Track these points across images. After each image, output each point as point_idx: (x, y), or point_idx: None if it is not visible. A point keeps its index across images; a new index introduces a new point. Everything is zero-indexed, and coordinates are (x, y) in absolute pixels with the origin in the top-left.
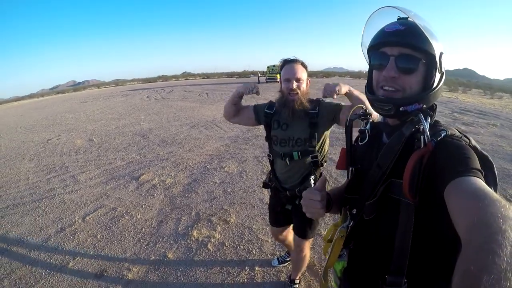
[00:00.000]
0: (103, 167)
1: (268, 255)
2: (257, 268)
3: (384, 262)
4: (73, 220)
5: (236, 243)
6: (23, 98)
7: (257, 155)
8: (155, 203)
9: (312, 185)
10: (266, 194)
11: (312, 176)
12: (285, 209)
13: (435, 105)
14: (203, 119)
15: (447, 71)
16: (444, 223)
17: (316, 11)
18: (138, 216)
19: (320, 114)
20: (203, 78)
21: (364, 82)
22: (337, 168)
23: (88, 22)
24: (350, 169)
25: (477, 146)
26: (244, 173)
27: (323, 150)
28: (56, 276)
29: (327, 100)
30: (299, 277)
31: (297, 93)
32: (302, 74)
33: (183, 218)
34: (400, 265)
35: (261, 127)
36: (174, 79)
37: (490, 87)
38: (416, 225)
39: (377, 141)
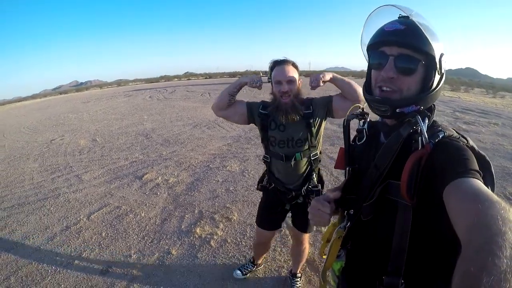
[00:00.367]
0: (107, 166)
1: (270, 251)
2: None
3: (381, 263)
4: (78, 219)
5: (238, 240)
6: (25, 98)
7: (259, 154)
8: (159, 202)
9: (315, 182)
10: None
11: (314, 173)
12: (284, 209)
13: (434, 105)
14: (205, 119)
15: (449, 70)
16: (442, 224)
17: (318, 10)
18: (142, 214)
19: (315, 113)
20: (205, 78)
21: None
22: (335, 167)
23: (90, 22)
24: (348, 169)
25: (475, 146)
26: (246, 172)
27: (319, 144)
28: (62, 273)
29: (316, 94)
30: (300, 271)
31: (290, 95)
32: (293, 75)
33: (186, 216)
34: (398, 266)
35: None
36: (176, 79)
37: (492, 86)
38: (414, 227)
39: (375, 140)
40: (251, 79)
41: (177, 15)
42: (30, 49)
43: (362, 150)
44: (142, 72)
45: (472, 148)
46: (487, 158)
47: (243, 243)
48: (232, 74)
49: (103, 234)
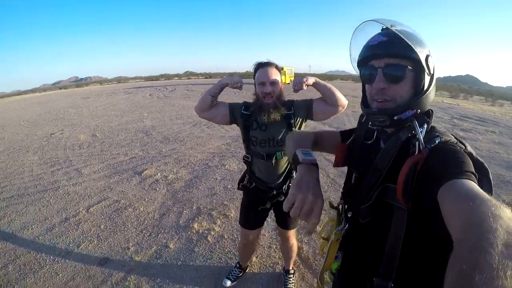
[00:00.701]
0: (107, 161)
1: (265, 248)
2: (254, 260)
3: (375, 265)
4: (77, 211)
5: (235, 236)
6: (25, 92)
7: None
8: (158, 197)
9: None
10: None
11: (294, 172)
12: (265, 208)
13: (432, 111)
14: None
15: (449, 77)
16: (437, 227)
17: (320, 14)
18: (141, 209)
19: (296, 114)
20: (205, 78)
21: None
22: (334, 166)
23: (92, 18)
24: (354, 175)
25: (473, 152)
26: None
27: None
28: (60, 263)
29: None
30: (293, 267)
31: (272, 96)
32: (276, 77)
33: (185, 211)
34: (389, 268)
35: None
36: (176, 78)
37: (491, 94)
38: (408, 230)
39: (376, 145)
40: (232, 79)
41: (179, 14)
42: (30, 43)
43: (363, 153)
44: (142, 69)
45: (470, 154)
46: (485, 165)
47: (239, 239)
48: (232, 75)
49: (102, 227)
